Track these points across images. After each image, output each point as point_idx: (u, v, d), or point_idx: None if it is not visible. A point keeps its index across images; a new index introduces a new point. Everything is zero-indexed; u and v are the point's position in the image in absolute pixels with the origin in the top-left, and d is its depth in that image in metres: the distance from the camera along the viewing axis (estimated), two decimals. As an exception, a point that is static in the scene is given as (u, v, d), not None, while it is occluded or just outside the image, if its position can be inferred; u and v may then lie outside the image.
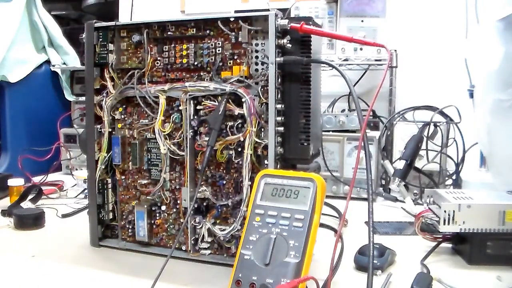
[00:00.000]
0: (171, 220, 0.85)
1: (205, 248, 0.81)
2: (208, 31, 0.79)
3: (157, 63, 0.83)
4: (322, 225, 0.95)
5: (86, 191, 1.12)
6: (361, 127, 0.64)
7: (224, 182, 0.80)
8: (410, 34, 1.61)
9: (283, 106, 0.75)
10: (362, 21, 1.45)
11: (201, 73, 0.80)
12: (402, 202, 1.17)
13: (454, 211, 0.78)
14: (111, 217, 0.89)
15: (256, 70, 0.76)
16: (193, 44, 0.80)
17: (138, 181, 0.86)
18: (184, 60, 0.81)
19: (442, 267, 0.78)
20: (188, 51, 0.80)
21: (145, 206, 0.85)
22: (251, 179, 0.74)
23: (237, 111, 0.76)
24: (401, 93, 1.56)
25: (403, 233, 0.98)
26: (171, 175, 0.83)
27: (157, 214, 0.86)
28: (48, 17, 1.69)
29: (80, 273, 0.77)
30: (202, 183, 0.81)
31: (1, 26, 1.51)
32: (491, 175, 1.02)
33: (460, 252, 0.83)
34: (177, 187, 0.83)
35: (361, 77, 1.60)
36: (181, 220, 0.83)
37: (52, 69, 1.70)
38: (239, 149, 0.77)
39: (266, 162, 0.74)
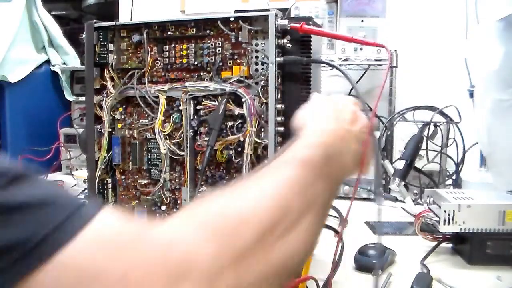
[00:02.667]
0: (171, 220, 0.85)
1: (205, 248, 0.81)
2: (208, 31, 0.79)
3: (157, 63, 0.83)
4: (322, 225, 0.95)
5: (86, 191, 1.12)
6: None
7: (224, 182, 0.80)
8: (410, 34, 1.61)
9: (283, 106, 0.75)
10: (362, 21, 1.45)
11: (201, 73, 0.80)
12: (402, 202, 1.17)
13: (454, 211, 0.78)
14: (111, 217, 0.89)
15: (256, 70, 0.76)
16: (193, 44, 0.80)
17: (138, 181, 0.86)
18: (184, 60, 0.81)
19: (442, 267, 0.78)
20: (188, 51, 0.80)
21: (145, 206, 0.85)
22: (251, 179, 0.74)
23: (237, 111, 0.76)
24: (401, 93, 1.56)
25: (403, 233, 0.98)
26: (171, 175, 0.83)
27: (157, 214, 0.85)
28: (48, 17, 1.69)
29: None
30: (202, 183, 0.81)
31: (1, 26, 1.51)
32: (491, 175, 1.02)
33: (460, 252, 0.83)
34: (177, 187, 0.83)
35: (361, 77, 1.59)
36: (181, 220, 0.83)
37: (52, 69, 1.70)
38: (239, 149, 0.77)
39: (266, 162, 0.74)
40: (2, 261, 0.28)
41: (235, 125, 0.77)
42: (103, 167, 0.87)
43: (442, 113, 1.22)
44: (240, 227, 0.33)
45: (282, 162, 0.42)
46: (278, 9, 0.74)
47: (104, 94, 0.86)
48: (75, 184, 1.42)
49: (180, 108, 0.80)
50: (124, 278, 0.28)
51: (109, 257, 0.29)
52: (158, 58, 0.83)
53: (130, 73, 0.84)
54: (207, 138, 0.78)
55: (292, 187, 0.38)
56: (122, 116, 0.87)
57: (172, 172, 0.83)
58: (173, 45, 0.82)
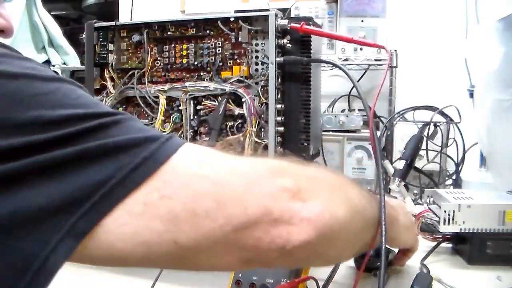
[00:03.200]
0: (171, 220, 0.85)
1: (205, 248, 0.81)
2: (208, 31, 0.80)
3: (157, 63, 0.83)
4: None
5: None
6: (369, 123, 0.63)
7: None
8: (410, 34, 1.61)
9: (283, 106, 0.75)
10: (362, 21, 1.45)
11: (201, 73, 0.80)
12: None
13: (454, 211, 0.78)
14: (111, 217, 0.89)
15: (256, 70, 0.77)
16: (193, 44, 0.80)
17: (138, 181, 0.86)
18: (184, 60, 0.81)
19: (442, 267, 0.78)
20: (188, 51, 0.80)
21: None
22: (251, 179, 0.74)
23: (237, 111, 0.76)
24: (401, 93, 1.56)
25: (403, 233, 0.98)
26: (171, 175, 0.83)
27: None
28: (48, 17, 1.69)
29: (80, 273, 0.77)
30: (202, 183, 0.80)
31: (1, 26, 1.51)
32: (491, 175, 1.02)
33: (460, 252, 0.83)
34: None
35: (361, 77, 1.59)
36: (181, 220, 0.83)
37: (52, 69, 1.69)
38: (239, 149, 0.77)
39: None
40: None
41: (235, 125, 0.77)
42: (103, 167, 0.87)
43: (442, 113, 1.21)
44: (315, 167, 0.44)
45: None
46: (278, 9, 0.74)
47: (104, 94, 0.86)
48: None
49: (180, 108, 0.80)
50: (233, 169, 0.37)
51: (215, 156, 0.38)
52: (158, 58, 0.83)
53: (130, 73, 0.84)
54: (207, 138, 0.78)
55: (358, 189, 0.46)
56: (122, 116, 0.87)
57: (172, 172, 0.83)
58: (173, 45, 0.82)
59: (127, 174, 0.32)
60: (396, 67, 1.51)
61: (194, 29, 0.80)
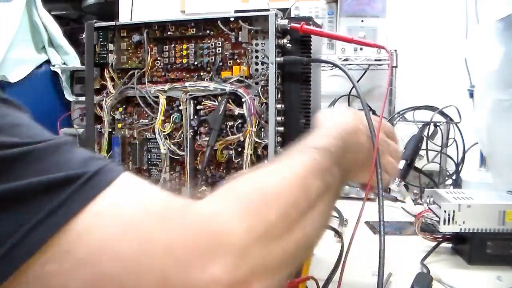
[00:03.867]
0: (171, 220, 0.84)
1: (205, 248, 0.81)
2: (208, 31, 0.79)
3: (157, 63, 0.83)
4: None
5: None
6: (369, 124, 0.60)
7: (224, 182, 0.80)
8: (410, 34, 1.61)
9: (283, 106, 0.75)
10: (362, 21, 1.45)
11: (201, 73, 0.80)
12: (402, 202, 1.17)
13: (454, 211, 0.78)
14: (111, 217, 0.89)
15: (256, 70, 0.76)
16: (193, 44, 0.80)
17: (138, 181, 0.86)
18: (184, 60, 0.81)
19: (442, 267, 0.78)
20: (188, 51, 0.80)
21: (145, 206, 0.85)
22: (251, 179, 0.74)
23: (237, 111, 0.76)
24: (401, 93, 1.56)
25: (403, 233, 0.98)
26: (171, 175, 0.83)
27: (157, 214, 0.85)
28: (48, 17, 1.69)
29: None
30: (202, 183, 0.81)
31: (1, 26, 1.51)
32: (491, 175, 1.02)
33: (460, 252, 0.83)
34: (177, 187, 0.83)
35: (361, 77, 1.60)
36: (181, 220, 0.83)
37: (52, 69, 1.69)
38: (239, 149, 0.77)
39: (266, 162, 0.74)
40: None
41: (235, 125, 0.77)
42: (103, 167, 0.87)
43: (442, 113, 1.22)
44: (270, 203, 0.35)
45: (303, 149, 0.46)
46: (278, 9, 0.74)
47: (104, 94, 0.86)
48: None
49: (180, 108, 0.80)
50: (153, 245, 0.29)
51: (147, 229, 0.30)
52: (158, 58, 0.83)
53: (130, 73, 0.84)
54: (207, 138, 0.78)
55: (311, 170, 0.41)
56: (122, 116, 0.87)
57: (172, 172, 0.83)
58: (173, 45, 0.82)
59: (27, 233, 0.27)
60: (396, 67, 1.51)
61: (194, 29, 0.80)
